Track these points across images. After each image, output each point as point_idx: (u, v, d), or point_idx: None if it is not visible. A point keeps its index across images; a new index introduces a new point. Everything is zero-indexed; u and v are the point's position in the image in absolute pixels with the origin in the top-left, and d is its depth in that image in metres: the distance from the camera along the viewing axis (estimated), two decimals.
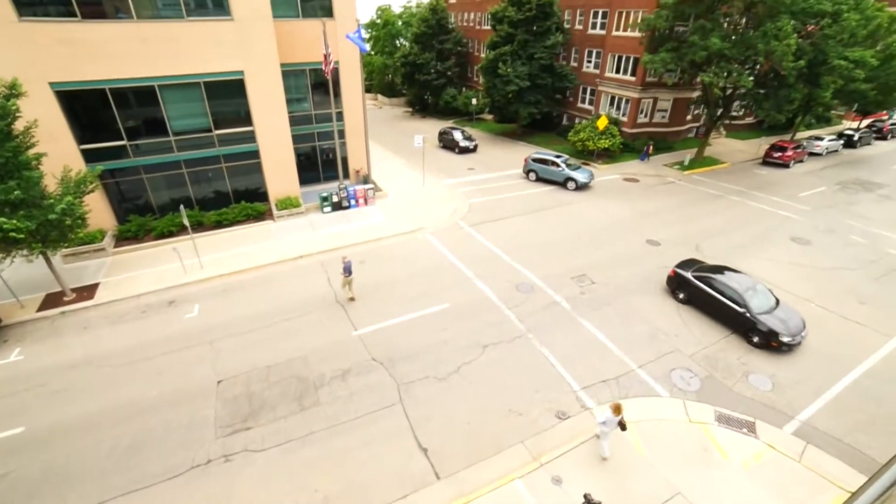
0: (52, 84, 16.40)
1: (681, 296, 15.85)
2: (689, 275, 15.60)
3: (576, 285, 16.69)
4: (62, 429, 10.73)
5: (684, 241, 20.34)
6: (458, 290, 16.23)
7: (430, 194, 25.44)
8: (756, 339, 13.65)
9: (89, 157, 17.90)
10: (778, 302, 14.30)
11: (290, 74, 21.54)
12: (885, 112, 41.81)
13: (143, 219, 19.63)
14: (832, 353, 13.41)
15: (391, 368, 12.57)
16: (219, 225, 20.54)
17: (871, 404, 11.62)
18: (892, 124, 42.14)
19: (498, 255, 18.86)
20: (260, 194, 22.34)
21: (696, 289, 15.31)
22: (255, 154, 21.15)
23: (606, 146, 30.62)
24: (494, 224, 21.82)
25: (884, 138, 41.61)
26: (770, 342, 13.38)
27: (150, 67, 17.58)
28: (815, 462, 9.98)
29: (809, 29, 26.38)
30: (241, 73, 19.09)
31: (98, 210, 18.28)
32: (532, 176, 28.28)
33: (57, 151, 16.01)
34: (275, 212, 21.64)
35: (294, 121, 21.99)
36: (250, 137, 20.67)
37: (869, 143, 39.80)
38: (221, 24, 18.09)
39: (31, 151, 13.80)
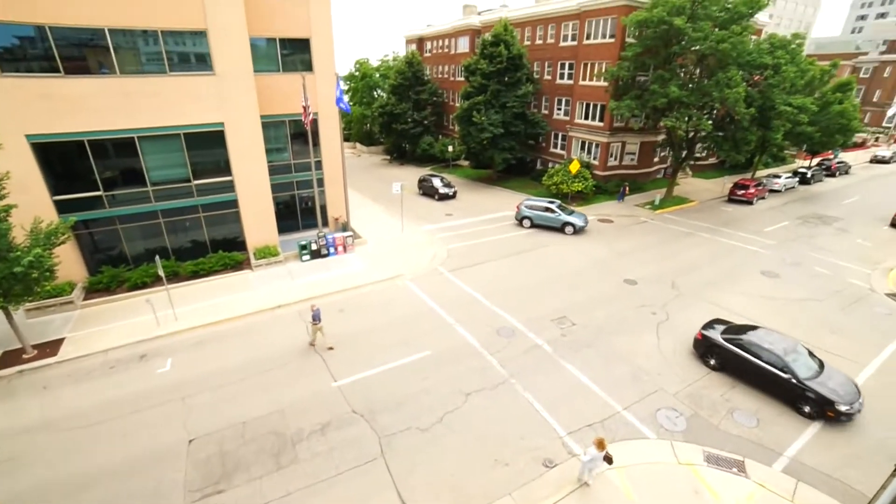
0: (28, 136, 16.27)
1: (711, 362, 14.35)
2: (718, 338, 14.27)
3: (556, 328, 16.72)
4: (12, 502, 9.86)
5: (660, 278, 20.80)
6: (438, 337, 16.07)
7: (409, 241, 25.62)
8: (807, 409, 12.25)
9: (63, 207, 17.55)
10: (822, 364, 13.13)
11: (270, 125, 21.98)
12: (830, 152, 45.29)
13: (116, 270, 19.06)
14: None
15: (372, 420, 12.14)
16: (195, 275, 20.13)
17: (855, 437, 11.70)
18: (837, 163, 45.80)
19: (478, 299, 18.87)
20: (238, 243, 22.13)
21: (729, 353, 13.88)
22: (234, 203, 21.12)
23: (580, 189, 31.69)
24: (473, 269, 21.96)
25: (833, 175, 44.90)
26: (825, 412, 11.98)
27: (130, 120, 17.71)
28: (807, 500, 9.86)
29: (756, 79, 28.77)
30: (222, 124, 19.39)
31: (68, 261, 17.71)
32: (526, 223, 27.98)
33: (29, 202, 15.69)
34: (253, 261, 21.37)
35: (273, 170, 22.21)
36: (229, 187, 20.72)
37: (821, 180, 42.78)
38: (204, 79, 18.53)
39: (0, 203, 13.48)
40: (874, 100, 71.01)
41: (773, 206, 33.99)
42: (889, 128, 68.44)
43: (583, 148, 36.64)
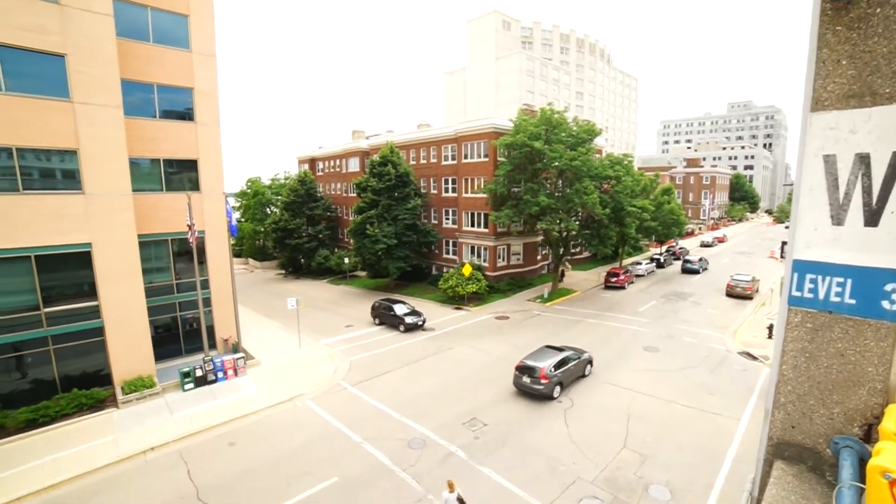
0: None
1: None
2: None
3: (468, 431, 16.22)
4: None
5: None
6: (346, 460, 14.55)
7: (308, 356, 24.05)
8: None
9: None
10: None
11: (151, 244, 20.43)
12: (672, 240, 55.87)
13: None
14: (706, 448, 14.65)
15: None
16: (32, 424, 16.21)
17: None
18: (679, 249, 56.18)
19: (385, 411, 17.82)
20: (101, 377, 18.75)
21: None
22: (99, 331, 18.31)
23: (474, 290, 33.42)
24: (378, 379, 21.04)
25: (678, 259, 53.87)
26: None
27: None
28: None
29: (605, 187, 34.80)
30: (89, 245, 17.53)
31: None
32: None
33: None
34: (119, 396, 18.07)
35: (153, 291, 20.16)
36: (93, 313, 18.09)
37: (671, 263, 51.08)
38: (68, 198, 17.03)
39: None
40: (690, 200, 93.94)
41: (641, 288, 38.96)
42: (705, 220, 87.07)
43: (473, 252, 39.45)
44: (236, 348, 23.07)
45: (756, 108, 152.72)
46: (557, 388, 18.57)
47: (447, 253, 42.47)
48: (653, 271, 46.35)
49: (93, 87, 17.25)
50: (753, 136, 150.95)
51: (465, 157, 38.66)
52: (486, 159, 36.73)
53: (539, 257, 43.04)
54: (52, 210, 16.76)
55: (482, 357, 23.51)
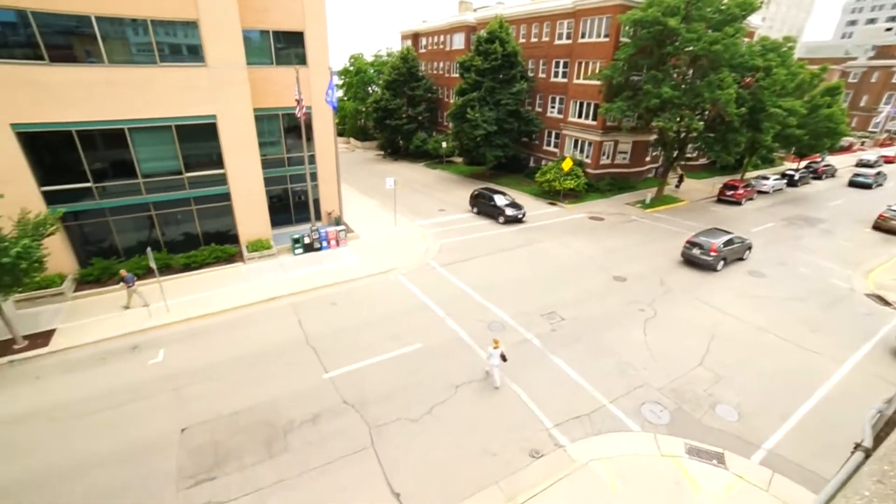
0: (13, 125, 16.10)
1: None
2: None
3: (546, 322, 16.97)
4: (1, 490, 9.92)
5: (649, 276, 21.13)
6: (430, 331, 16.26)
7: (402, 235, 25.74)
8: None
9: (51, 199, 17.44)
10: None
11: (264, 118, 21.94)
12: (818, 155, 45.88)
13: (107, 262, 19.03)
14: (791, 382, 13.99)
15: (363, 411, 12.32)
16: (187, 268, 20.12)
17: (829, 430, 12.08)
18: (824, 166, 46.17)
19: (469, 294, 19.07)
20: (230, 236, 22.12)
21: None
22: (227, 196, 21.10)
23: (572, 186, 31.97)
24: (465, 263, 22.16)
25: (819, 178, 45.24)
26: None
27: (119, 111, 17.60)
28: (782, 491, 10.21)
29: (747, 81, 29.14)
30: (214, 116, 19.35)
31: (58, 253, 17.62)
32: None
33: (15, 193, 15.38)
34: (245, 254, 21.40)
35: (266, 163, 22.20)
36: (221, 180, 20.69)
37: (808, 183, 43.26)
38: (195, 70, 18.47)
39: None
40: (861, 104, 72.84)
41: (760, 207, 34.52)
42: (875, 132, 68.89)
43: (576, 146, 36.91)
44: (339, 221, 25.37)
45: None
46: (721, 262, 21.95)
47: (548, 145, 40.31)
48: (780, 189, 40.09)
49: None
50: None
51: (583, 36, 34.14)
52: (607, 39, 32.16)
53: (648, 159, 39.23)
54: (183, 82, 18.38)
55: (570, 255, 23.46)
